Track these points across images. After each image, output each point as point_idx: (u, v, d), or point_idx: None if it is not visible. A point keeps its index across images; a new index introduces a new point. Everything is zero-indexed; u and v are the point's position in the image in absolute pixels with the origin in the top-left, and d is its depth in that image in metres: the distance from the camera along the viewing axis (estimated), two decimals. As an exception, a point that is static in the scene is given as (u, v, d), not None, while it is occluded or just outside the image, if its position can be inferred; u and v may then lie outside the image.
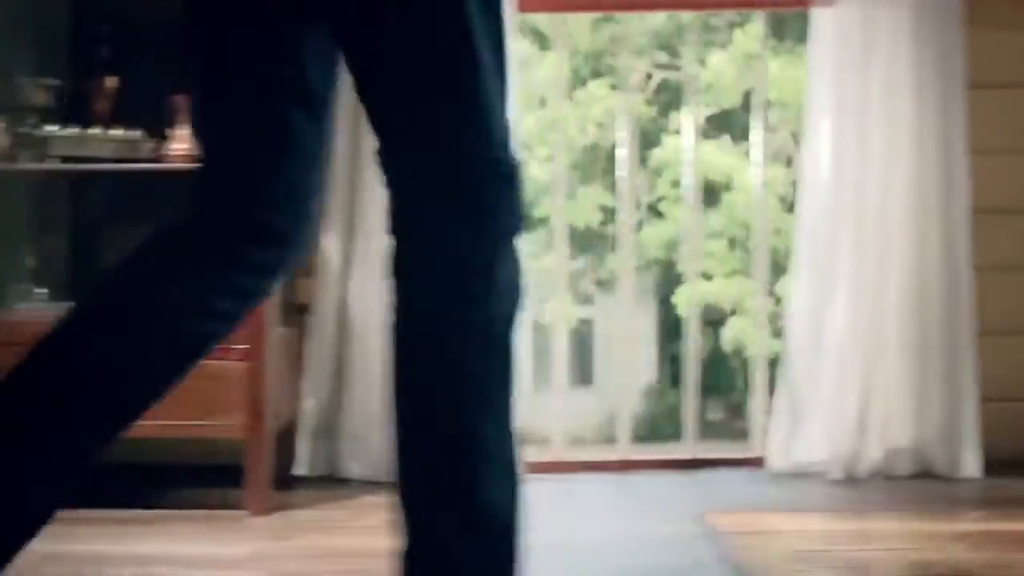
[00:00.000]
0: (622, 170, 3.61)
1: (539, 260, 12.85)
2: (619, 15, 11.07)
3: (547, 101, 11.57)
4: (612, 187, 12.68)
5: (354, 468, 3.09)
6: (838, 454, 3.08)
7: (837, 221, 3.13)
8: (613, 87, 11.49)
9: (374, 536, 2.20)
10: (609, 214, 12.47)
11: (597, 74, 11.94)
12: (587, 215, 12.14)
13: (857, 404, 3.09)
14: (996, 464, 3.11)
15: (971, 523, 2.55)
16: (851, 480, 3.07)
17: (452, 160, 1.44)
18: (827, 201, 3.14)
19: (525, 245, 1.48)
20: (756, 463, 3.24)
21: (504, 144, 1.45)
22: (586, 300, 14.00)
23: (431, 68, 1.43)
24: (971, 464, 3.08)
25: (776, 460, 3.16)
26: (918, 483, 3.06)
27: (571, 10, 3.35)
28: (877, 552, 2.29)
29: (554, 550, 2.30)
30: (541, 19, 11.74)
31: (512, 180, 1.46)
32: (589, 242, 12.84)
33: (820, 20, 3.16)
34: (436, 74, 1.43)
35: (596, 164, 11.25)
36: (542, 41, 11.82)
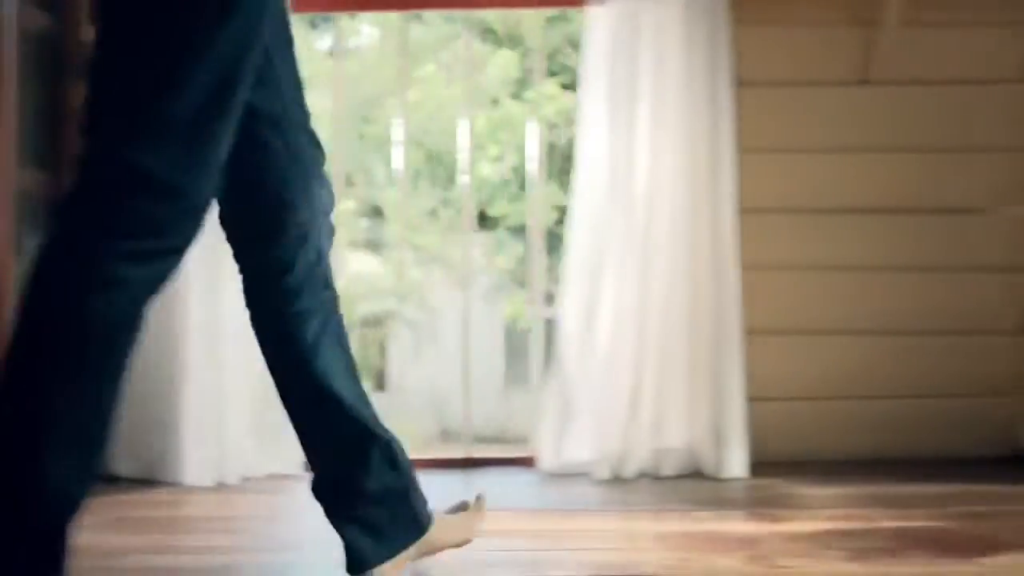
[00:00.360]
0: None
1: (493, 260, 12.80)
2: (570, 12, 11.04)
3: (499, 100, 11.59)
4: (568, 187, 12.58)
5: (123, 467, 3.11)
6: (606, 454, 3.09)
7: (607, 221, 3.13)
8: (564, 86, 11.51)
9: (104, 534, 2.24)
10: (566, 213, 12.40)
11: (550, 73, 11.94)
12: (544, 214, 12.16)
13: (626, 404, 3.10)
14: (762, 464, 3.11)
15: (691, 523, 2.53)
16: (618, 480, 3.08)
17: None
18: (598, 200, 3.14)
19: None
20: (530, 463, 3.24)
21: (108, 142, 1.47)
22: (547, 299, 13.96)
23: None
24: (737, 464, 3.08)
25: (546, 460, 3.16)
26: (683, 483, 3.06)
27: (346, 9, 3.35)
28: (559, 552, 2.27)
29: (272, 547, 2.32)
30: (492, 17, 11.71)
31: (88, 187, 1.48)
32: (546, 242, 12.82)
33: (593, 19, 3.16)
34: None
35: (551, 164, 11.25)
36: (495, 39, 11.82)
